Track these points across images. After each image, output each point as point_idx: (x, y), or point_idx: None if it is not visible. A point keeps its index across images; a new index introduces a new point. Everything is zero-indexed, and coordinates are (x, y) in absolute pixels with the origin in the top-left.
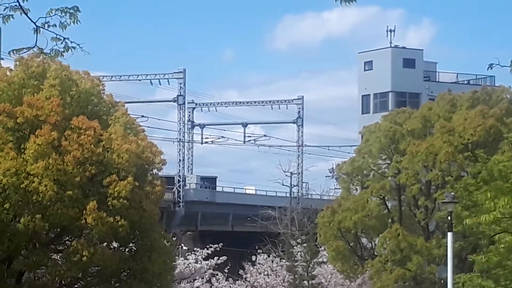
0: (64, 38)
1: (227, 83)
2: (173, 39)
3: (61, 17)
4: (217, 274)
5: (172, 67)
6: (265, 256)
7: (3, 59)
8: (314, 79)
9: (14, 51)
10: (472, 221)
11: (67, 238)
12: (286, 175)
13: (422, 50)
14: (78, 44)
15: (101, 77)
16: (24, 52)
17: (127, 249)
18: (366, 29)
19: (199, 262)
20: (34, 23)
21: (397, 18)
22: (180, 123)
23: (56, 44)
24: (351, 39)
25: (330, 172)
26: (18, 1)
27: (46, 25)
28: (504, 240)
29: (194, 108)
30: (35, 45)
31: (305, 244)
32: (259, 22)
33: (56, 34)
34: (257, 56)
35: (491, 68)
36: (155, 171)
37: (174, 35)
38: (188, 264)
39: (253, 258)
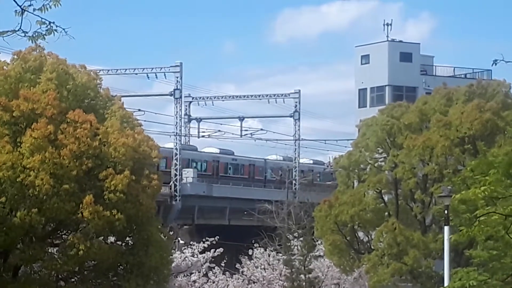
0: (50, 22)
1: (225, 77)
2: (171, 32)
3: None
4: (214, 268)
5: (170, 60)
6: (262, 250)
7: None
8: (312, 72)
9: None
10: (461, 196)
11: (64, 232)
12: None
13: (419, 44)
14: (64, 29)
15: (98, 71)
16: (9, 35)
17: (123, 243)
18: (365, 23)
19: (195, 256)
20: (20, 6)
21: (396, 11)
22: (176, 117)
23: (40, 27)
24: (350, 33)
25: (327, 166)
26: None
27: (31, 8)
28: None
29: (190, 102)
30: (20, 28)
31: (302, 238)
32: (258, 15)
33: (41, 18)
34: (255, 50)
35: (496, 64)
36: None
37: (172, 29)
38: (184, 258)
39: (250, 252)
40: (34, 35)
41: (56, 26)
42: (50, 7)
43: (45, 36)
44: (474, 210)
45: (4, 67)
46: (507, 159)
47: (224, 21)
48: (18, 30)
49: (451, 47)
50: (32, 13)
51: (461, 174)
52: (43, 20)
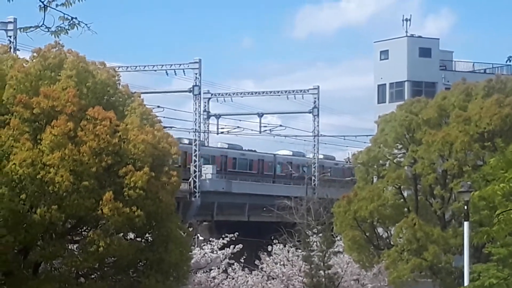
0: (72, 18)
1: (244, 73)
2: (190, 28)
3: None
4: (233, 264)
5: (189, 57)
6: (281, 246)
7: (19, 50)
8: (331, 68)
9: (22, 30)
10: (479, 193)
11: (84, 228)
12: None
13: (438, 39)
14: (86, 24)
15: (117, 68)
16: (32, 30)
17: (143, 240)
18: (384, 18)
19: (215, 252)
20: (42, 1)
21: (415, 7)
22: (195, 114)
23: (63, 23)
24: (369, 29)
25: (346, 162)
26: None
27: (53, 3)
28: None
29: (209, 98)
30: (43, 23)
31: (321, 234)
32: (278, 11)
33: (64, 14)
34: (275, 45)
35: (510, 60)
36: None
37: (191, 24)
38: (204, 254)
39: (269, 248)
40: (57, 30)
41: (79, 22)
42: (74, 2)
43: (68, 30)
44: (494, 206)
45: (24, 65)
46: None
47: (244, 17)
48: (41, 25)
49: (471, 42)
50: (54, 9)
51: (481, 170)
52: (66, 16)
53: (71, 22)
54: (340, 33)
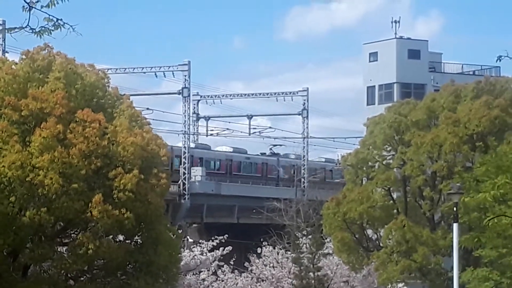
0: (57, 19)
1: (233, 75)
2: (179, 30)
3: None
4: (223, 266)
5: (178, 58)
6: (271, 248)
7: (8, 53)
8: (321, 70)
9: (7, 31)
10: (470, 200)
11: (73, 231)
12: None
13: (427, 41)
14: (71, 26)
15: (106, 70)
16: (16, 31)
17: (132, 242)
18: (374, 20)
19: (204, 254)
20: (27, 2)
21: (405, 9)
22: (185, 116)
23: (47, 24)
24: (359, 30)
25: (335, 164)
26: None
27: (38, 4)
28: (501, 223)
29: (199, 100)
30: (28, 24)
31: (310, 236)
32: (268, 12)
33: (49, 15)
34: (264, 47)
35: (500, 60)
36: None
37: (181, 26)
38: (193, 256)
39: (259, 250)
40: (40, 31)
41: (64, 23)
42: (57, 3)
43: (51, 31)
44: (484, 208)
45: (13, 67)
46: None
47: (233, 18)
48: (26, 26)
49: (460, 44)
50: (39, 10)
51: (471, 172)
52: (51, 17)
53: (56, 23)
54: (330, 34)
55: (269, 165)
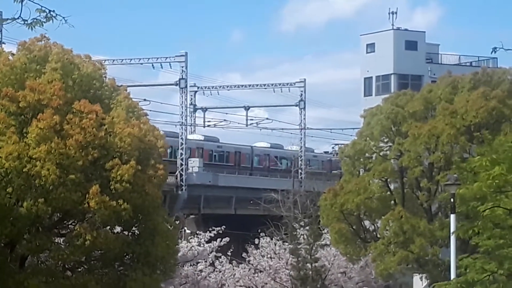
0: (50, 11)
1: (231, 66)
2: (177, 21)
3: None
4: (220, 257)
5: (176, 50)
6: (268, 239)
7: (4, 43)
8: (318, 61)
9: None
10: (464, 191)
11: (70, 222)
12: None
13: (424, 32)
14: (63, 17)
15: (103, 61)
16: (8, 23)
17: (130, 233)
18: (372, 11)
19: (202, 245)
20: None
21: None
22: (182, 107)
23: (40, 15)
24: (357, 22)
25: (330, 155)
26: None
27: None
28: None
29: (196, 91)
30: (20, 16)
31: (308, 227)
32: (266, 4)
33: (41, 6)
34: (262, 39)
35: (495, 51)
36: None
37: (179, 18)
38: (191, 247)
39: (256, 241)
40: (32, 22)
41: (56, 15)
42: None
43: (43, 23)
44: (481, 197)
45: (10, 58)
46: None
47: (231, 10)
48: (18, 18)
49: (457, 35)
50: (32, 1)
51: (468, 162)
52: (43, 8)
53: (48, 14)
54: (327, 26)
55: (242, 153)
